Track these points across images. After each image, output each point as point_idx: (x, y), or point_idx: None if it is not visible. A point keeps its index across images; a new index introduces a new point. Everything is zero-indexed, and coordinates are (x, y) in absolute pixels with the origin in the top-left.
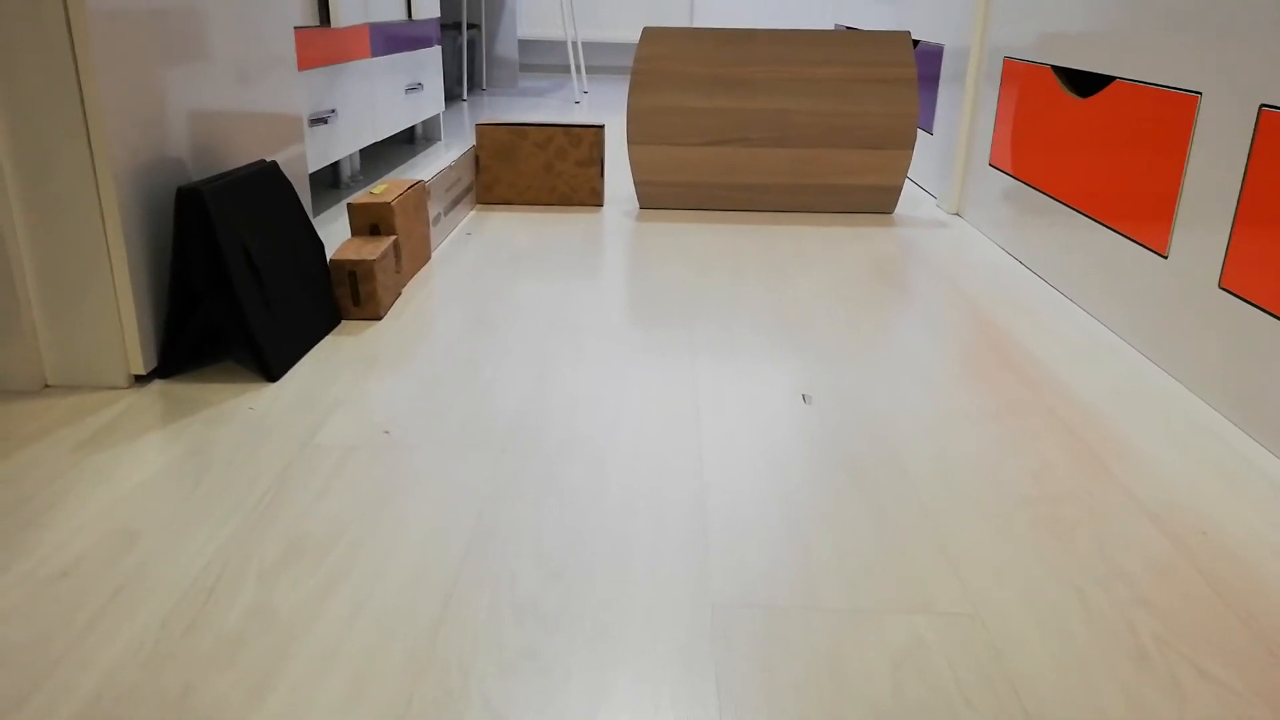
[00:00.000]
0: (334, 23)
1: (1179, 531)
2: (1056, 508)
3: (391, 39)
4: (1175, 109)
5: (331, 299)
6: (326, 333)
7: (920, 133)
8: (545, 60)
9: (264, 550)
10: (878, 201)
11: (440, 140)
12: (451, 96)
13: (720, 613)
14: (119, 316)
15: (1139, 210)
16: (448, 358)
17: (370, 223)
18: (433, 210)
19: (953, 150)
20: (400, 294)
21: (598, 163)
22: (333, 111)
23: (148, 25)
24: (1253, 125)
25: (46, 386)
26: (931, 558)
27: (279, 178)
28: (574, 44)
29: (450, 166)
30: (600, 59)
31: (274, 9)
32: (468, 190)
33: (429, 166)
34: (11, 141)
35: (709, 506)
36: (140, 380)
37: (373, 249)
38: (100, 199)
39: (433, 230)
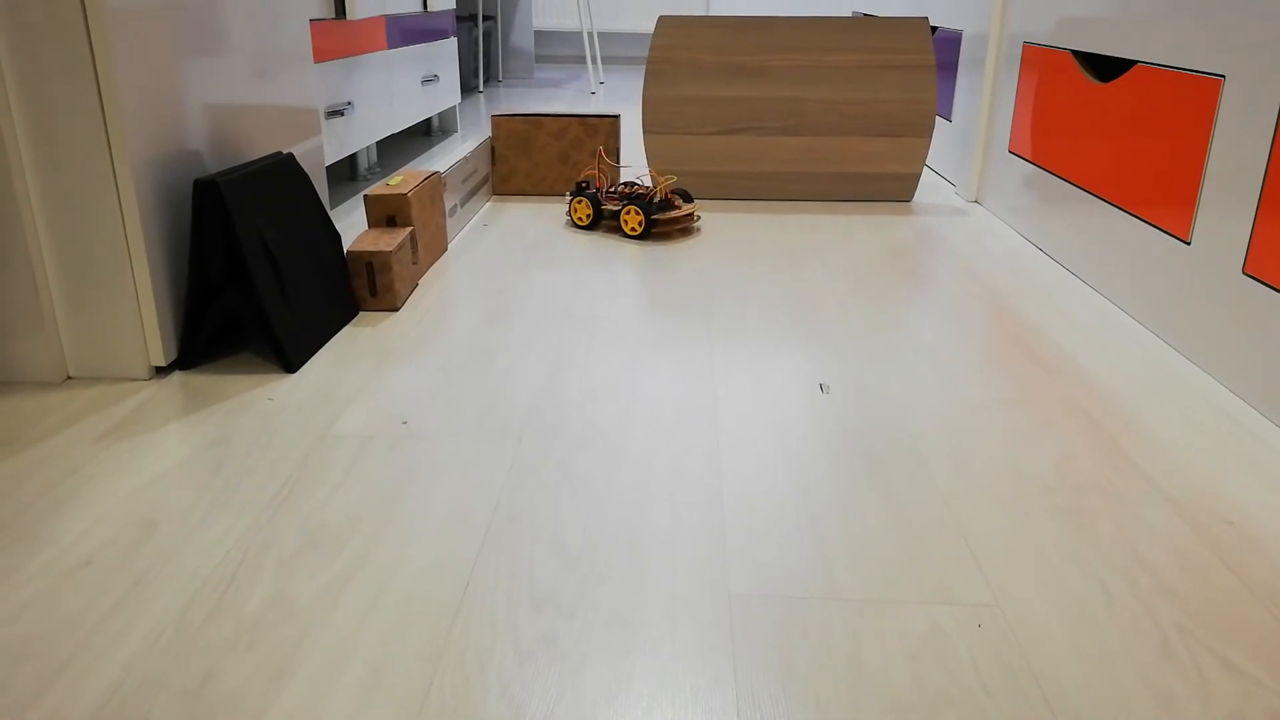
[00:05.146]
0: (350, 15)
1: (1203, 520)
2: (1078, 497)
3: (408, 31)
4: (1198, 93)
5: (349, 290)
6: (344, 324)
7: (939, 120)
8: (561, 51)
9: (283, 540)
10: (896, 189)
11: (456, 131)
12: (467, 88)
13: (738, 602)
14: (139, 308)
15: (1161, 196)
16: (464, 348)
17: (387, 214)
18: (449, 201)
19: (972, 137)
20: (417, 285)
21: (613, 153)
22: (349, 104)
23: (164, 19)
24: (1277, 109)
25: (68, 378)
26: (951, 547)
27: (296, 169)
28: (590, 34)
29: (466, 158)
30: (616, 49)
31: (290, 1)
32: (484, 181)
33: (445, 158)
34: (31, 136)
35: (726, 496)
36: (160, 372)
37: (389, 240)
38: (119, 192)
39: (449, 221)
